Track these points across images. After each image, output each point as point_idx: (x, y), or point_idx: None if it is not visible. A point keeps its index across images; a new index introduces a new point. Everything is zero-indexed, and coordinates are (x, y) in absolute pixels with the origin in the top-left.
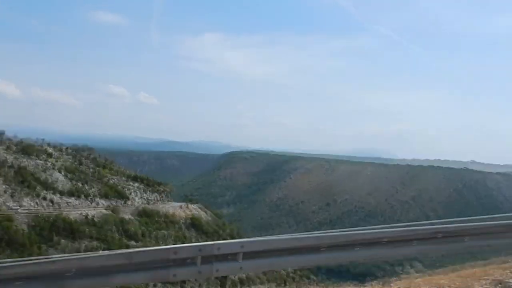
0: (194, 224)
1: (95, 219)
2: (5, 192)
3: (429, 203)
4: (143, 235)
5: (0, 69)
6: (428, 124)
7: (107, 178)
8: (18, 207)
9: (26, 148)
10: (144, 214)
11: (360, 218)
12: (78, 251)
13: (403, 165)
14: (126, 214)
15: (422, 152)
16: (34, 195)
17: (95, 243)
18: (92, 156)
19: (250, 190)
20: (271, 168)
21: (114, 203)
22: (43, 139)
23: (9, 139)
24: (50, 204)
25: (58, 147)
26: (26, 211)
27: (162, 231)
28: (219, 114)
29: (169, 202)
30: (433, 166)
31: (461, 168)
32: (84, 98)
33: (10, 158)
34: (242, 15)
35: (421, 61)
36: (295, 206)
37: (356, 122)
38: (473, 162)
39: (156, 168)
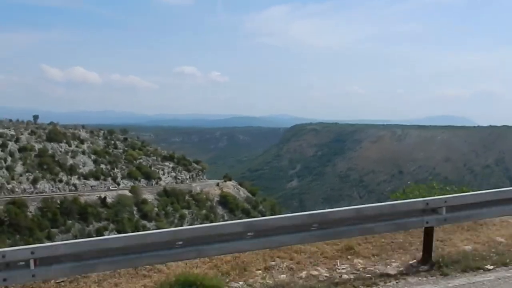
0: (224, 202)
1: (109, 201)
2: (26, 178)
3: None
4: (158, 214)
5: (85, 60)
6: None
7: (138, 159)
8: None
9: (54, 135)
10: (168, 194)
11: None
12: (90, 234)
13: (485, 127)
14: (149, 194)
15: (501, 118)
16: (56, 179)
17: (110, 225)
18: (127, 138)
19: (318, 161)
20: (340, 139)
21: (139, 184)
22: (82, 126)
23: (43, 127)
24: (72, 187)
25: (96, 131)
26: (42, 195)
27: (189, 210)
28: (289, 86)
29: (205, 180)
30: None
31: None
32: (159, 81)
33: (36, 145)
34: None
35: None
36: (365, 176)
37: (431, 87)
38: None
39: (227, 144)
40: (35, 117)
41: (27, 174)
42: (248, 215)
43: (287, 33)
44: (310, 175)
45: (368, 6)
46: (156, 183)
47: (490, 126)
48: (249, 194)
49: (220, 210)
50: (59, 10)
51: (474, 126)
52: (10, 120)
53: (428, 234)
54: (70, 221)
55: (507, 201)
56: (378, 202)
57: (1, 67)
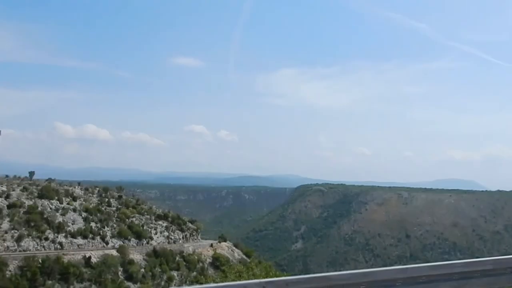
0: (216, 264)
1: (94, 261)
2: (11, 235)
3: None
4: (144, 276)
5: (97, 117)
6: None
7: (130, 218)
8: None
9: (46, 192)
10: (158, 254)
11: (444, 251)
12: None
13: (493, 192)
14: (137, 255)
15: (510, 181)
16: (42, 237)
17: (92, 286)
18: (122, 195)
19: (324, 223)
20: (346, 200)
21: (129, 243)
22: (79, 182)
23: (36, 183)
24: (57, 246)
25: (91, 188)
26: (24, 253)
27: (178, 271)
28: (296, 146)
29: (199, 240)
30: None
31: None
32: (168, 139)
33: (26, 202)
34: (316, 48)
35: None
36: (371, 239)
37: (439, 149)
38: None
39: (233, 203)
40: (31, 173)
41: (12, 231)
42: (240, 276)
43: (296, 94)
44: (315, 237)
45: (376, 69)
46: (147, 242)
47: (499, 191)
48: (244, 256)
49: (210, 272)
50: (76, 70)
51: (482, 191)
52: (7, 176)
53: None
54: (50, 282)
55: None
56: (386, 267)
57: (17, 124)
